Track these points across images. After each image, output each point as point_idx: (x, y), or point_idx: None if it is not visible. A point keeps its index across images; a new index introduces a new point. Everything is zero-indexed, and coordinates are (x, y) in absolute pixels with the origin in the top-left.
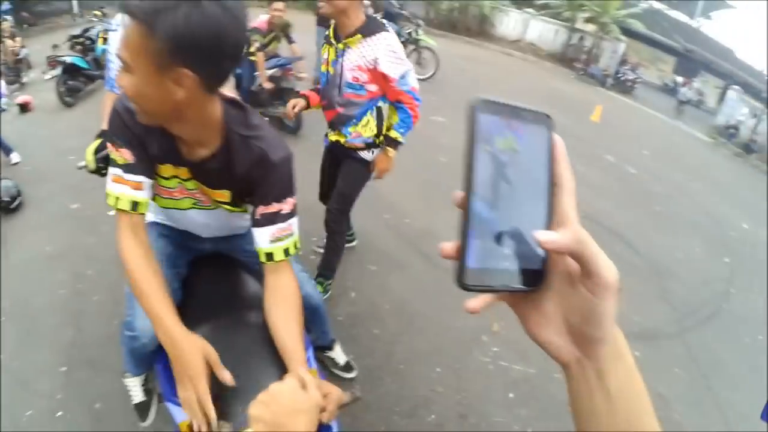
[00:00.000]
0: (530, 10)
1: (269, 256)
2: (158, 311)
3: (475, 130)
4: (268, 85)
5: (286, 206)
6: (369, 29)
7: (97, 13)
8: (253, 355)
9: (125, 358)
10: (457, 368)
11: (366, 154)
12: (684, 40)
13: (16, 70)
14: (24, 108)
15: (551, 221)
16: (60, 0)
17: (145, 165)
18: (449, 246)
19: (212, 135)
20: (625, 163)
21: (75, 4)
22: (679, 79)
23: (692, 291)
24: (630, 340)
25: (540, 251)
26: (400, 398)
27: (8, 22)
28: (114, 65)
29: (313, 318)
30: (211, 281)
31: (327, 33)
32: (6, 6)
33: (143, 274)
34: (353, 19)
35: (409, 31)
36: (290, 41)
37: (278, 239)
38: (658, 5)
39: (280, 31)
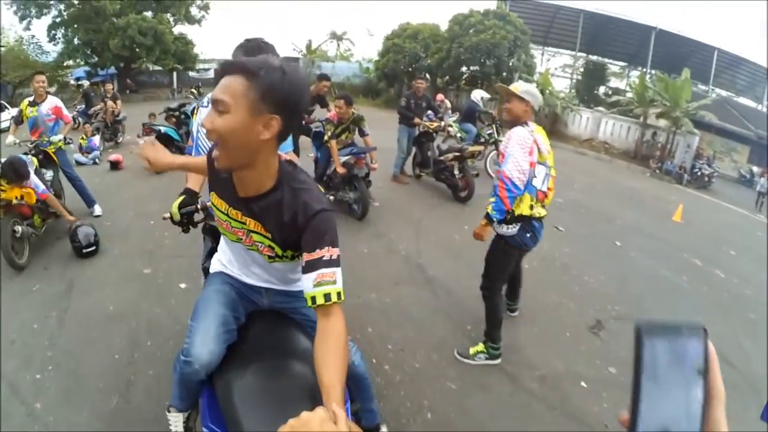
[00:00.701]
0: (601, 108)
1: (313, 300)
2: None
3: (642, 352)
4: (341, 170)
5: (328, 253)
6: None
7: (194, 91)
8: (289, 398)
9: (174, 389)
10: None
11: (499, 228)
12: (755, 126)
13: (113, 129)
14: (115, 165)
15: (703, 425)
16: (162, 73)
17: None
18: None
19: (269, 179)
20: (713, 266)
21: (175, 79)
22: (756, 168)
23: None
24: None
25: None
26: None
27: (112, 84)
28: (201, 134)
29: (357, 387)
30: (262, 329)
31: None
32: (112, 70)
33: None
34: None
35: (490, 132)
36: (363, 134)
37: (320, 284)
38: (724, 93)
39: (351, 123)
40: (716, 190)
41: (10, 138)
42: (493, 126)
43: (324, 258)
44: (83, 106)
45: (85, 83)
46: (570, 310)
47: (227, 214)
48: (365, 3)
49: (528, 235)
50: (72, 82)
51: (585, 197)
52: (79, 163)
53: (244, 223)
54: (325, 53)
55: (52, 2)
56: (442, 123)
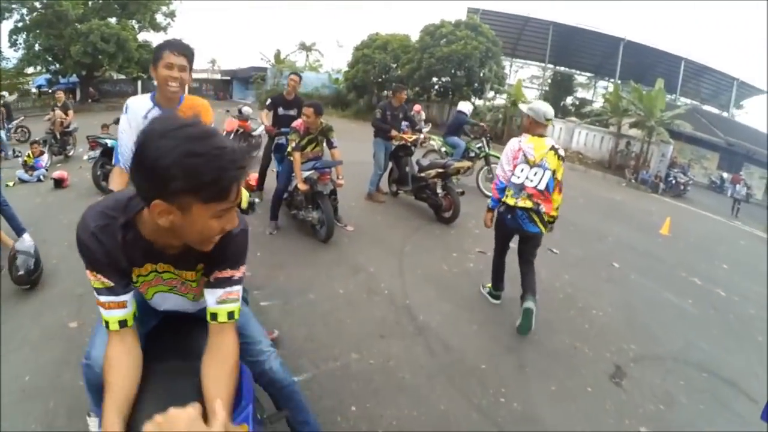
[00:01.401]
0: (574, 119)
1: (214, 316)
2: (110, 417)
3: None
4: (302, 186)
5: (237, 273)
6: None
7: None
8: (188, 399)
9: (87, 395)
10: None
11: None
12: (723, 132)
13: (62, 142)
14: (58, 183)
15: None
16: (126, 82)
17: (124, 280)
18: None
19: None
20: (712, 285)
21: (140, 87)
22: (726, 174)
23: None
24: None
25: None
26: None
27: (62, 93)
28: (123, 142)
29: (279, 395)
30: (168, 331)
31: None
32: (74, 78)
33: (118, 380)
34: None
35: (480, 145)
36: (331, 146)
37: (224, 301)
38: (688, 101)
39: (319, 134)
40: (691, 198)
41: None
42: (483, 139)
43: (234, 277)
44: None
45: (5, 94)
46: (585, 356)
47: (156, 270)
48: (334, 14)
49: (509, 216)
50: (34, 90)
51: (570, 212)
52: (22, 181)
53: (179, 275)
54: (294, 63)
55: (14, 6)
56: (421, 135)
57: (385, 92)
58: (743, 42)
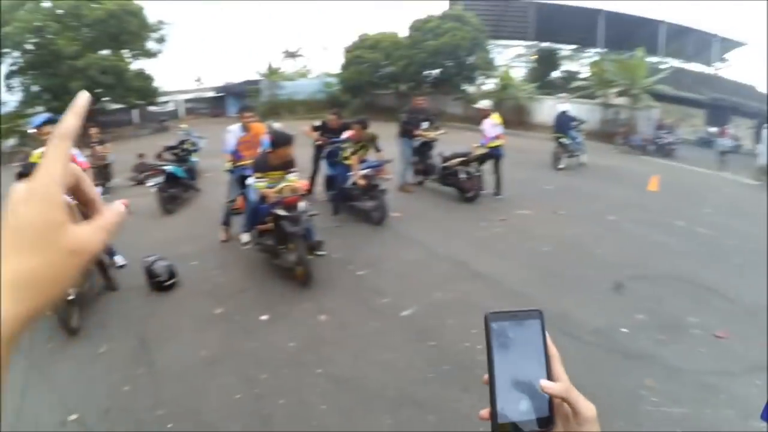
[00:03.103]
0: (563, 94)
1: None
2: None
3: (490, 332)
4: (361, 182)
5: None
6: None
7: (184, 125)
8: None
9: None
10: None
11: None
12: (708, 89)
13: (104, 174)
14: None
15: (549, 376)
16: (121, 112)
17: None
18: (484, 412)
19: None
20: (695, 225)
21: (136, 115)
22: (713, 129)
23: None
24: (748, 373)
25: (545, 403)
26: None
27: (96, 128)
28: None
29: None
30: None
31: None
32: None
33: None
34: None
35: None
36: (377, 149)
37: None
38: (675, 62)
39: (368, 141)
40: (680, 156)
41: None
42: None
43: None
44: None
45: None
46: (593, 277)
47: None
48: (316, 17)
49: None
50: (33, 130)
51: (569, 180)
52: None
53: None
54: (284, 73)
55: (5, 51)
56: (440, 131)
57: (378, 91)
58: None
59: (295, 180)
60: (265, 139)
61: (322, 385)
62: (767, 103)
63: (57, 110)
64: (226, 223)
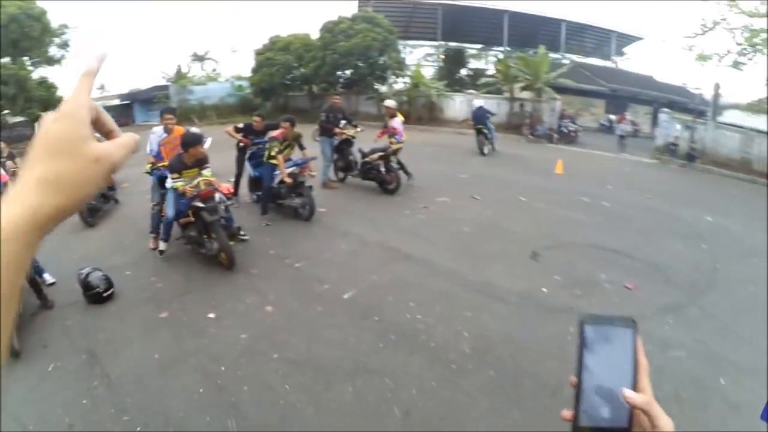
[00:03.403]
0: (471, 91)
1: None
2: None
3: (584, 336)
4: (288, 180)
5: None
6: None
7: (96, 136)
8: None
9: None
10: None
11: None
12: (607, 81)
13: None
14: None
15: (634, 387)
16: (23, 125)
17: None
18: (567, 413)
19: None
20: (598, 200)
21: (37, 128)
22: (613, 117)
23: (688, 273)
24: (659, 314)
25: (626, 413)
26: None
27: (5, 143)
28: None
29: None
30: None
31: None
32: None
33: None
34: None
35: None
36: (302, 147)
37: None
38: (575, 58)
39: (294, 139)
40: (583, 142)
41: None
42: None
43: None
44: None
45: None
46: (512, 251)
47: None
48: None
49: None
50: None
51: (481, 169)
52: None
53: None
54: (193, 77)
55: None
56: (358, 129)
57: (290, 93)
58: None
59: (209, 174)
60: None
61: (282, 368)
62: (662, 91)
63: None
64: (155, 230)
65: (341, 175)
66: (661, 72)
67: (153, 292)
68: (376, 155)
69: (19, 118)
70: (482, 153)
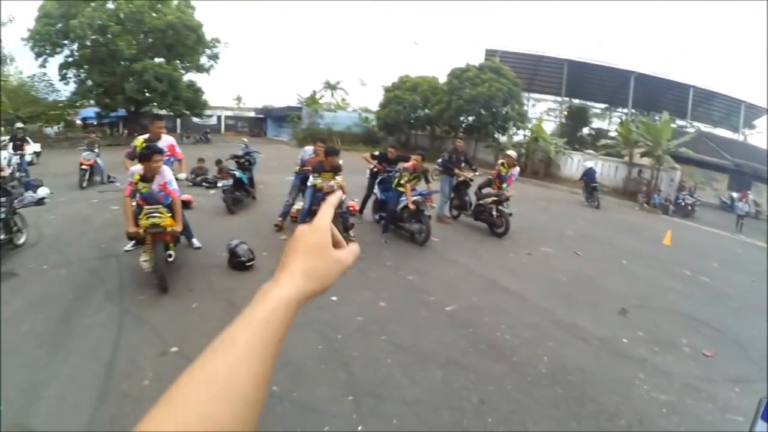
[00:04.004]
0: (591, 151)
1: None
2: None
3: (760, 413)
4: (412, 206)
5: None
6: None
7: (245, 139)
8: None
9: None
10: None
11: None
12: (732, 155)
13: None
14: (186, 205)
15: None
16: (167, 119)
17: None
18: None
19: None
20: (700, 275)
21: (178, 123)
22: (735, 194)
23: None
24: (728, 382)
25: None
26: None
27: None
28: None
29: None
30: None
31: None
32: (122, 113)
33: None
34: None
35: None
36: (428, 181)
37: None
38: (703, 127)
39: (422, 172)
40: (699, 217)
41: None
42: None
43: None
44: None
45: (18, 124)
46: (607, 307)
47: None
48: (356, 53)
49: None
50: (78, 122)
51: (589, 229)
52: None
53: None
54: (324, 103)
55: (65, 42)
56: (476, 172)
57: (413, 131)
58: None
59: (341, 180)
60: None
61: (387, 348)
62: None
63: (106, 107)
64: (283, 216)
65: (455, 212)
66: None
67: None
68: (490, 199)
69: (163, 112)
70: (589, 204)
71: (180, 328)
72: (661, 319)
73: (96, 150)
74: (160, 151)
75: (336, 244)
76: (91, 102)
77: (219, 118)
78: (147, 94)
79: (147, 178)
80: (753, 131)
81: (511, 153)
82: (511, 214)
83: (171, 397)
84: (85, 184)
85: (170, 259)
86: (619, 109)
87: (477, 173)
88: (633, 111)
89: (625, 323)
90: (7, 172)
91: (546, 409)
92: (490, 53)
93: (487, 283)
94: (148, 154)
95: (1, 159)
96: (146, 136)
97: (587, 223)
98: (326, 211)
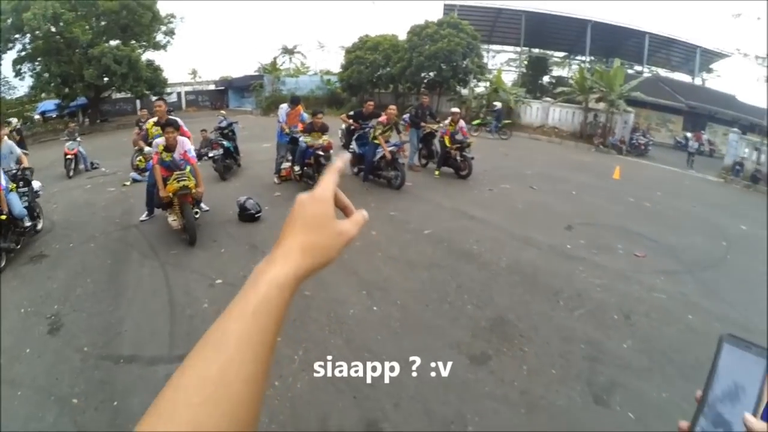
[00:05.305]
0: (548, 98)
1: None
2: None
3: (720, 353)
4: (389, 156)
5: None
6: None
7: (223, 112)
8: None
9: None
10: None
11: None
12: (687, 98)
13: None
14: None
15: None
16: (125, 101)
17: None
18: (684, 425)
19: None
20: (643, 201)
21: (138, 104)
22: (689, 134)
23: (696, 256)
24: (655, 274)
25: None
26: None
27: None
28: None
29: None
30: None
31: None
32: (82, 101)
33: None
34: None
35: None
36: (399, 132)
37: None
38: (662, 72)
39: (394, 124)
40: (653, 156)
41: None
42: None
43: None
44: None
45: (13, 120)
46: (553, 221)
47: None
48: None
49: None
50: (37, 116)
51: (546, 169)
52: (135, 181)
53: None
54: (285, 69)
55: (16, 36)
56: (441, 124)
57: (377, 90)
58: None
59: (327, 138)
60: (304, 114)
61: (383, 260)
62: (744, 112)
63: (66, 96)
64: (278, 172)
65: (424, 161)
66: (746, 92)
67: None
68: (454, 146)
69: (122, 95)
70: (506, 138)
71: (217, 267)
72: (601, 232)
73: (78, 138)
74: (175, 124)
75: (344, 210)
76: (51, 94)
77: (179, 94)
78: (106, 79)
79: (169, 148)
80: (712, 75)
81: (455, 110)
82: (473, 158)
83: (162, 402)
84: (71, 174)
85: (197, 216)
86: (579, 57)
87: (441, 125)
88: (591, 59)
89: (570, 235)
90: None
91: (506, 288)
92: (449, 8)
93: (456, 213)
94: (164, 126)
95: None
96: (155, 119)
97: (544, 164)
98: (329, 179)
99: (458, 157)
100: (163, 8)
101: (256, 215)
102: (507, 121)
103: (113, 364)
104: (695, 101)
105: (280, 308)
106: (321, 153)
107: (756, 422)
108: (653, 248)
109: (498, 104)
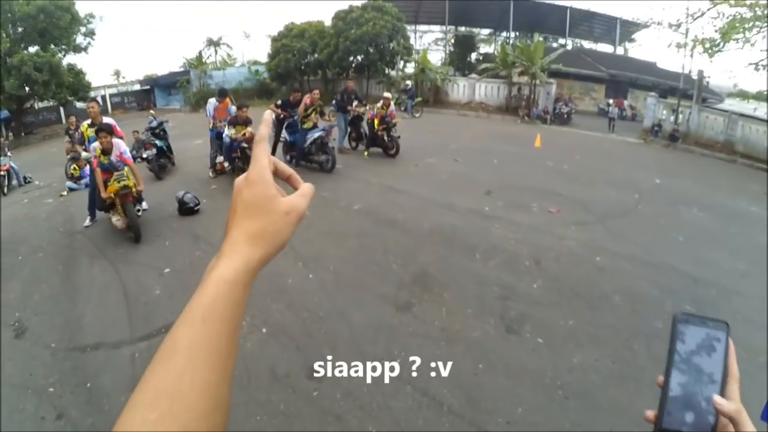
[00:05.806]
0: (474, 75)
1: None
2: None
3: (676, 334)
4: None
5: None
6: None
7: (152, 112)
8: None
9: None
10: None
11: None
12: (608, 67)
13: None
14: None
15: (722, 394)
16: (48, 110)
17: None
18: (651, 413)
19: None
20: (561, 164)
21: (62, 112)
22: (610, 101)
23: (607, 208)
24: (566, 225)
25: (711, 419)
26: None
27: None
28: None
29: None
30: None
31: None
32: (5, 114)
33: None
34: None
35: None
36: (323, 114)
37: None
38: (586, 44)
39: (318, 106)
40: (576, 124)
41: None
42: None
43: None
44: None
45: None
46: (473, 188)
47: None
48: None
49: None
50: None
51: (470, 143)
52: (72, 190)
53: None
54: (212, 63)
55: None
56: (367, 107)
57: (305, 77)
58: None
59: (251, 130)
60: (231, 107)
61: (316, 234)
62: (664, 78)
63: None
64: (213, 165)
65: (353, 144)
66: (666, 59)
67: (225, 208)
68: (381, 127)
69: (45, 104)
70: (419, 116)
71: (164, 258)
72: (519, 194)
73: (9, 153)
74: (108, 128)
75: (289, 181)
76: None
77: (103, 97)
78: (28, 89)
79: (106, 151)
80: (633, 45)
81: (387, 95)
82: (399, 137)
83: (122, 421)
84: (6, 191)
85: (140, 214)
86: (504, 34)
87: (368, 108)
88: (516, 34)
89: (489, 199)
90: None
91: (428, 246)
92: None
93: (383, 188)
94: (97, 131)
95: None
96: (88, 121)
97: (470, 139)
98: (261, 152)
99: (386, 137)
100: (81, 8)
101: (195, 208)
102: (419, 99)
103: (81, 353)
104: (616, 70)
105: (233, 307)
106: (245, 145)
107: (726, 403)
108: (567, 204)
109: (409, 83)
